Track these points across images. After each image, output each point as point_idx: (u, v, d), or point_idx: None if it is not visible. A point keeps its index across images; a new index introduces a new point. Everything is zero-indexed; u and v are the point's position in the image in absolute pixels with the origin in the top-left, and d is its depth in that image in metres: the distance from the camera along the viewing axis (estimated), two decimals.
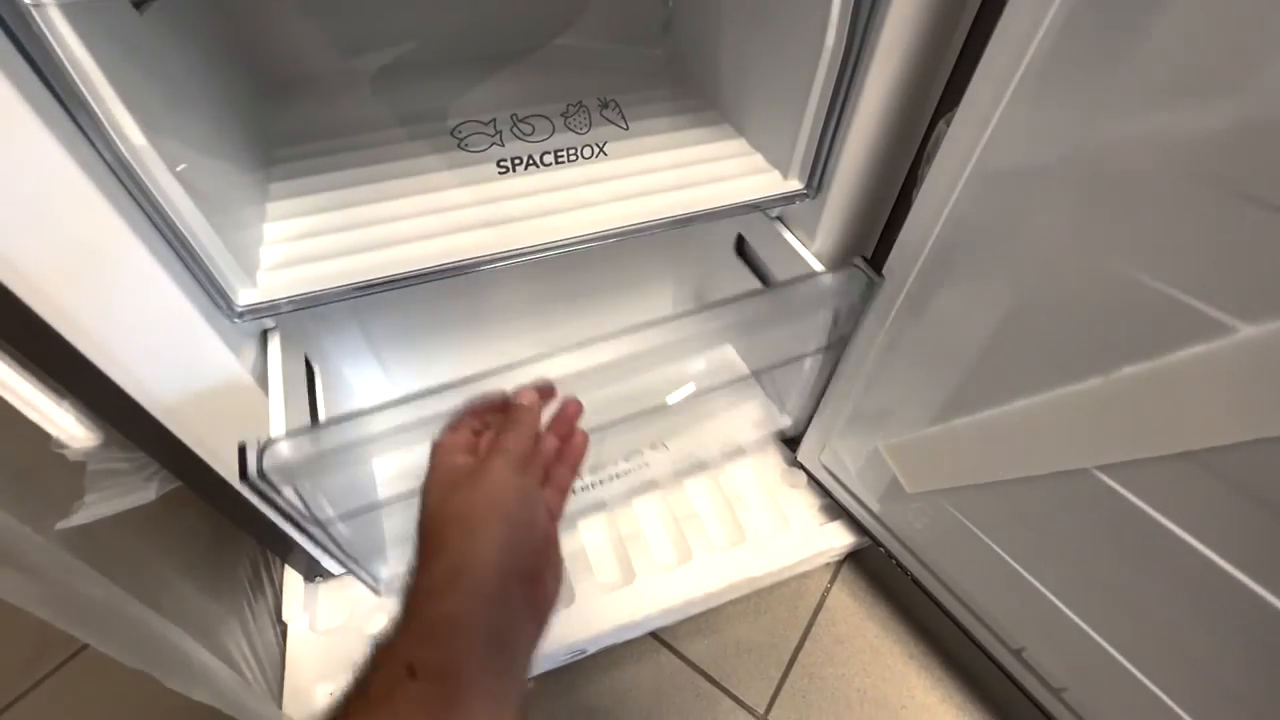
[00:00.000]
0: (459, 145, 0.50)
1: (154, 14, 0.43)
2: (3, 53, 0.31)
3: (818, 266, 0.60)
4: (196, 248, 0.43)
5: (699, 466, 0.80)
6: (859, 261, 0.55)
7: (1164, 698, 0.49)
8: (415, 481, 0.40)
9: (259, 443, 0.41)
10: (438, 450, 0.39)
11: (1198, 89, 0.32)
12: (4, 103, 0.31)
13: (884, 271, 0.56)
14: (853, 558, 0.87)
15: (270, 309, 0.48)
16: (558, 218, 0.53)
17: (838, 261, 0.66)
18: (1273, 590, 0.38)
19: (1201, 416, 0.37)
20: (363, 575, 0.61)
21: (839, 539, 0.77)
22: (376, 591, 0.64)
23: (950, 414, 0.55)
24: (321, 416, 0.60)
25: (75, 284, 0.38)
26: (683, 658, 0.80)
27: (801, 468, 0.81)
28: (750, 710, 0.77)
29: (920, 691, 0.77)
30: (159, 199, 0.39)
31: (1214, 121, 0.32)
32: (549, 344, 0.44)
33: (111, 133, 0.35)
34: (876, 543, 0.74)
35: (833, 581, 0.86)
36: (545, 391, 0.44)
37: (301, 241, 0.53)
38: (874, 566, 0.86)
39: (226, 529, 0.56)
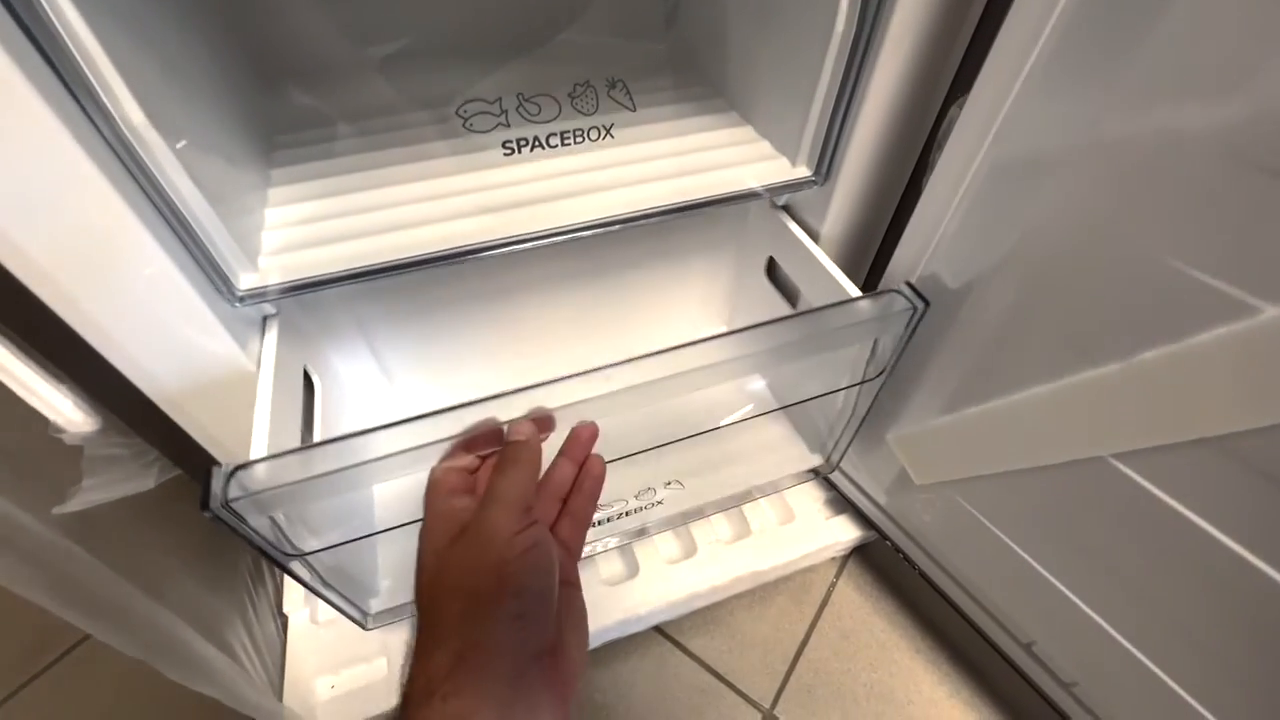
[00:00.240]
0: (463, 125, 0.49)
1: None
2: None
3: (855, 291, 0.56)
4: (197, 229, 0.42)
5: (718, 505, 0.75)
6: (903, 287, 0.51)
7: (1178, 690, 0.48)
8: (415, 508, 0.36)
9: (228, 467, 0.37)
10: (432, 489, 0.36)
11: (1223, 62, 0.32)
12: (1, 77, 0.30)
13: (893, 259, 0.56)
14: (859, 552, 0.86)
15: (272, 293, 0.48)
16: (563, 203, 0.53)
17: (847, 252, 0.65)
18: None
19: (1224, 401, 0.36)
20: (348, 610, 0.56)
21: (845, 533, 0.77)
22: (363, 626, 0.59)
23: (961, 403, 0.54)
24: (317, 427, 0.58)
25: (74, 265, 0.37)
26: (687, 652, 0.79)
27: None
28: (755, 705, 0.76)
29: (927, 686, 0.76)
30: (159, 179, 0.38)
31: (1241, 97, 0.31)
32: (566, 356, 0.40)
33: (111, 109, 0.34)
34: (883, 536, 0.74)
35: (839, 576, 0.85)
36: (543, 423, 0.40)
37: (304, 226, 0.52)
38: (880, 560, 0.85)
39: None
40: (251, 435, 0.44)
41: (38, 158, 0.33)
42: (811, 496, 0.80)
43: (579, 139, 0.53)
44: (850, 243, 0.64)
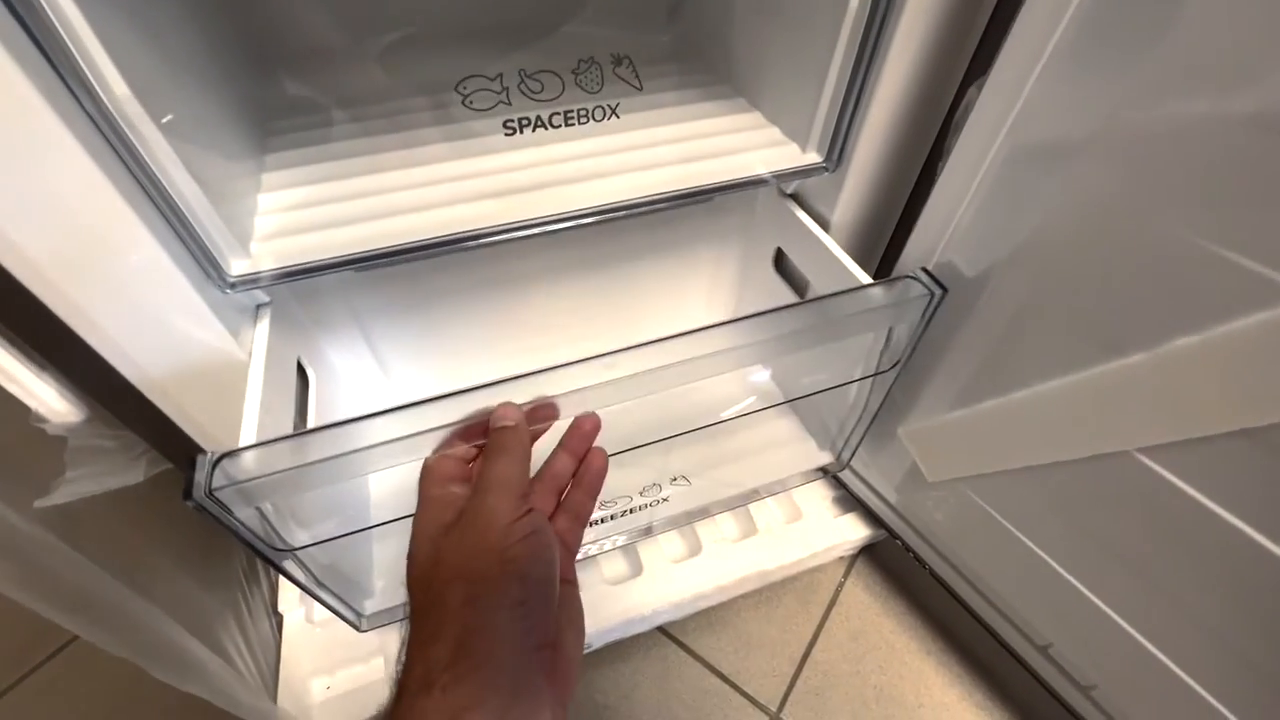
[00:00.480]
0: (463, 102, 0.47)
1: None
2: None
3: (867, 279, 0.54)
4: (186, 212, 0.41)
5: (725, 504, 0.73)
6: (919, 273, 0.49)
7: (1204, 693, 0.46)
8: (409, 503, 0.34)
9: (213, 454, 0.35)
10: (426, 475, 0.34)
11: (1261, 31, 0.30)
12: None
13: (906, 247, 0.54)
14: (867, 551, 0.84)
15: (264, 279, 0.46)
16: (566, 188, 0.51)
17: (859, 241, 0.63)
18: None
19: (1262, 390, 0.34)
20: (343, 611, 0.54)
21: (854, 532, 0.75)
22: (358, 628, 0.57)
23: (978, 397, 0.53)
24: (311, 411, 0.57)
25: (56, 248, 0.36)
26: (692, 653, 0.77)
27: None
28: (762, 708, 0.74)
29: (938, 689, 0.75)
30: (144, 156, 0.37)
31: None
32: (567, 349, 0.38)
33: (91, 78, 0.33)
34: (893, 535, 0.72)
35: (847, 575, 0.84)
36: (546, 411, 0.38)
37: (298, 211, 0.50)
38: (890, 560, 0.83)
39: None
40: (241, 425, 0.42)
41: (14, 132, 0.31)
42: (819, 495, 0.78)
43: (583, 119, 0.51)
44: (862, 231, 0.62)
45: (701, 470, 0.71)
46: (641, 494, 0.69)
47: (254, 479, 0.35)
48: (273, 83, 0.61)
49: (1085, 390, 0.44)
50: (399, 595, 0.60)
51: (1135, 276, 0.39)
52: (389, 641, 0.65)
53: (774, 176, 0.56)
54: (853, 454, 0.71)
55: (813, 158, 0.57)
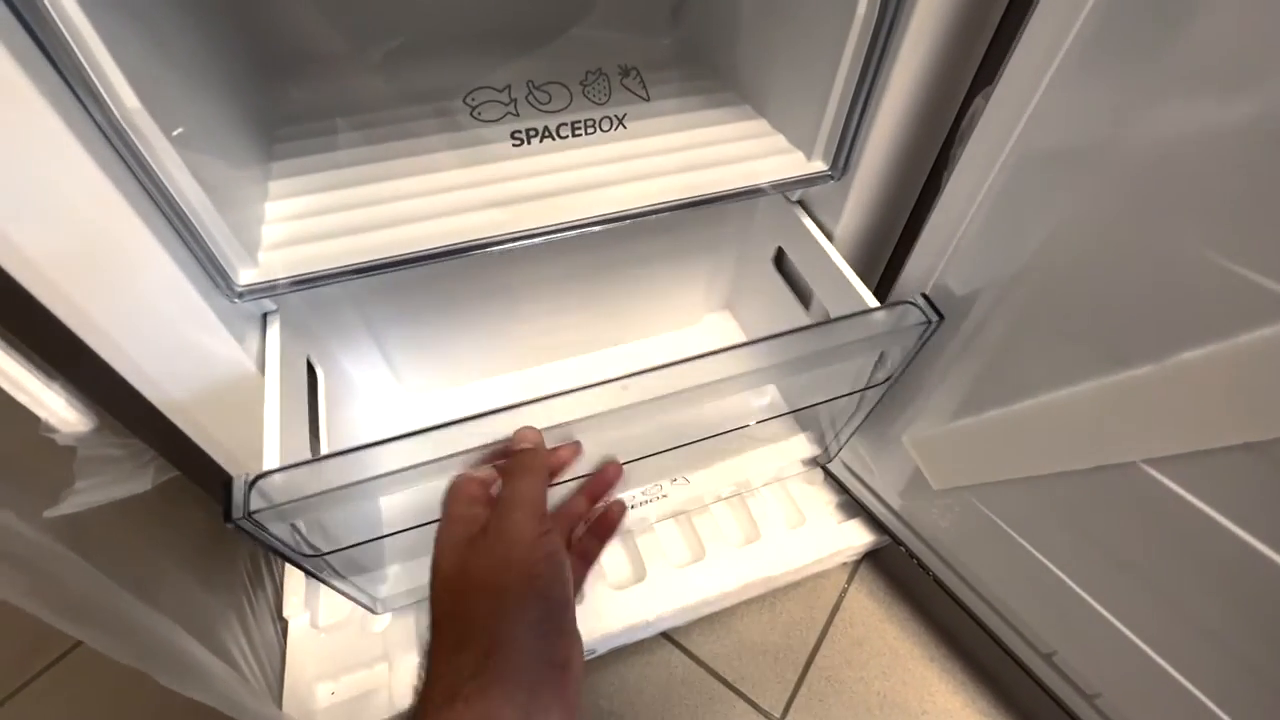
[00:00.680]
0: (471, 114, 0.47)
1: None
2: None
3: (868, 296, 0.55)
4: (194, 222, 0.41)
5: (722, 499, 0.76)
6: (918, 299, 0.50)
7: (1207, 701, 0.46)
8: (425, 500, 0.36)
9: (246, 477, 0.37)
10: (453, 494, 0.36)
11: (1277, 43, 0.30)
12: None
13: (911, 257, 0.54)
14: (871, 557, 0.84)
15: (272, 288, 0.46)
16: (574, 197, 0.51)
17: (863, 250, 0.63)
18: None
19: (1266, 405, 0.34)
20: (359, 597, 0.57)
21: (858, 537, 0.75)
22: (373, 611, 0.59)
23: (983, 406, 0.53)
24: (322, 419, 0.57)
25: (65, 258, 0.36)
26: (695, 659, 0.77)
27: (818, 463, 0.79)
28: (766, 714, 0.74)
29: (942, 696, 0.75)
30: (154, 168, 0.37)
31: None
32: (571, 353, 0.40)
33: (103, 91, 0.33)
34: (897, 541, 0.72)
35: (850, 581, 0.84)
36: (570, 450, 0.41)
37: (305, 220, 0.50)
38: (893, 566, 0.83)
39: None
40: (263, 439, 0.43)
41: (25, 145, 0.32)
42: (823, 500, 0.78)
43: (590, 129, 0.51)
44: (866, 240, 0.62)
45: (699, 467, 0.73)
46: (643, 493, 0.71)
47: (291, 501, 0.36)
48: (279, 92, 0.61)
49: (1092, 401, 0.44)
50: (408, 580, 0.63)
51: (1143, 288, 0.39)
52: (393, 648, 0.65)
53: (780, 185, 0.56)
54: (840, 449, 0.72)
55: (818, 166, 0.57)
